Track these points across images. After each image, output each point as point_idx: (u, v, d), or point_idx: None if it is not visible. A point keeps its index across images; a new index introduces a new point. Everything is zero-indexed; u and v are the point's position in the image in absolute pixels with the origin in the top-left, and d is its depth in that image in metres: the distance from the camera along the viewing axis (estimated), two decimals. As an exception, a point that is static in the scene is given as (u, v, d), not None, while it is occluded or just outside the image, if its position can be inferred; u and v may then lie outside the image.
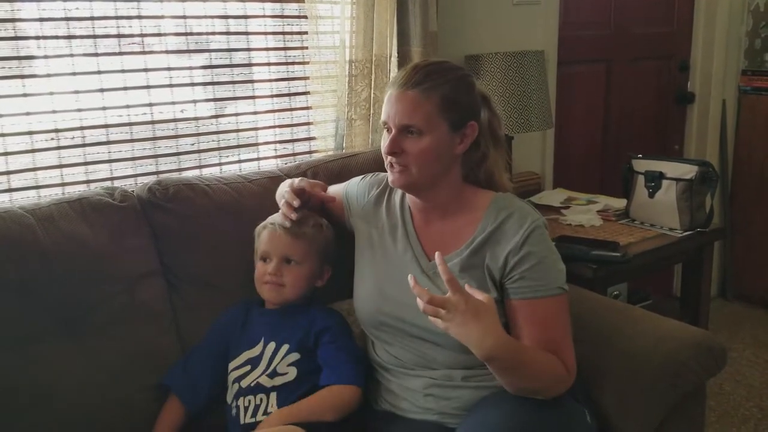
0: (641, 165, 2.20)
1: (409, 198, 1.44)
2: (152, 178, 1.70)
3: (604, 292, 1.93)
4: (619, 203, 2.34)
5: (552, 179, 2.79)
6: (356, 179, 1.57)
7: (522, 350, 1.22)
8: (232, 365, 1.46)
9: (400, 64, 2.05)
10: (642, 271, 2.11)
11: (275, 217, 1.51)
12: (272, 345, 1.44)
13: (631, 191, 2.23)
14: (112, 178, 1.78)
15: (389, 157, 1.32)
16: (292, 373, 1.39)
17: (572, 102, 2.91)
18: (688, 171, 2.08)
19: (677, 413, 1.43)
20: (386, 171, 1.38)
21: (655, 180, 2.13)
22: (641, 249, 1.98)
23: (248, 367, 1.43)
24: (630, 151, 2.35)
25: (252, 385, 1.40)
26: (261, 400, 1.38)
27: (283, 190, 1.54)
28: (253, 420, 1.36)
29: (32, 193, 1.67)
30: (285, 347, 1.43)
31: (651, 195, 2.15)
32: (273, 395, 1.38)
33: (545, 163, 2.75)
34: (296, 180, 1.56)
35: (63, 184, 1.71)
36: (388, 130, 1.33)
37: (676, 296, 2.99)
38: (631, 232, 2.12)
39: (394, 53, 2.05)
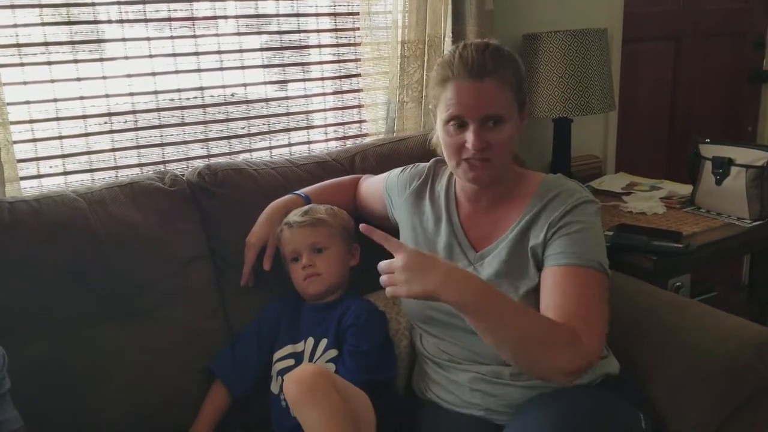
0: (708, 150, 2.08)
1: (461, 188, 1.38)
2: (203, 162, 1.70)
3: (664, 284, 1.84)
4: (685, 189, 2.23)
5: (614, 163, 2.68)
6: (395, 171, 1.53)
7: (500, 295, 1.13)
8: (277, 355, 1.46)
9: (454, 44, 1.99)
10: (706, 263, 2.01)
11: (289, 218, 1.50)
12: (311, 340, 1.43)
13: (698, 178, 2.12)
14: (164, 162, 1.80)
15: (471, 153, 1.24)
16: (331, 369, 1.38)
17: (637, 81, 2.78)
18: (759, 157, 1.96)
19: (739, 415, 1.35)
20: (425, 162, 1.35)
21: (723, 166, 2.02)
22: (706, 240, 1.87)
23: (292, 361, 1.43)
24: (699, 133, 2.23)
25: None
26: None
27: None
28: None
29: (86, 176, 1.70)
30: (323, 341, 1.42)
31: (718, 182, 2.03)
32: None
33: (607, 146, 2.65)
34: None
35: (116, 168, 1.73)
36: (458, 125, 1.25)
37: (745, 285, 2.85)
38: (696, 221, 2.02)
39: (448, 33, 2.00)
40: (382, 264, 1.12)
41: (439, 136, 1.30)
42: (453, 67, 1.23)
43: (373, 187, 1.58)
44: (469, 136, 1.22)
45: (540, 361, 1.12)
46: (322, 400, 1.17)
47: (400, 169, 1.53)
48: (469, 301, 1.09)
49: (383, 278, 1.12)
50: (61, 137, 1.65)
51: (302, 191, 1.58)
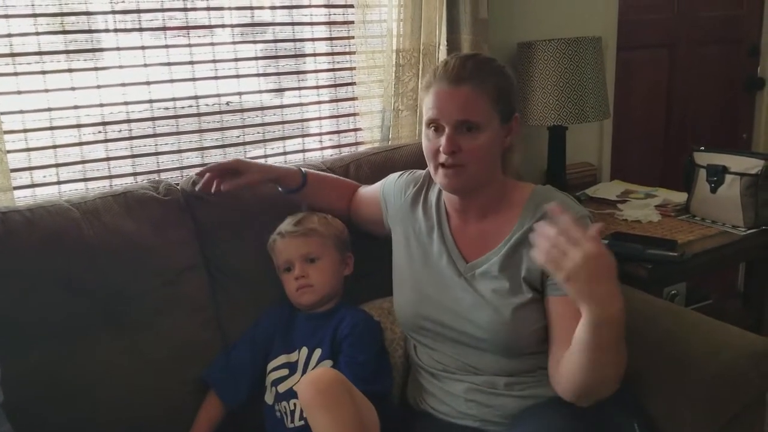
0: (703, 158, 2.08)
1: (447, 198, 1.39)
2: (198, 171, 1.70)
3: (659, 293, 1.84)
4: (680, 197, 2.23)
5: (609, 170, 2.69)
6: (392, 177, 1.53)
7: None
8: (270, 366, 1.45)
9: (449, 52, 1.99)
10: (701, 271, 2.01)
11: (281, 227, 1.50)
12: (305, 350, 1.43)
13: (693, 186, 2.12)
14: (158, 171, 1.79)
15: (444, 158, 1.25)
16: None
17: (632, 89, 2.79)
18: (754, 165, 1.96)
19: (736, 423, 1.36)
20: (422, 170, 1.33)
21: (717, 174, 2.02)
22: (701, 248, 1.87)
23: (286, 371, 1.43)
24: (694, 141, 2.23)
25: (288, 390, 1.40)
26: (294, 405, 1.37)
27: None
28: (302, 423, 1.34)
29: (80, 185, 1.69)
30: (317, 351, 1.41)
31: (713, 190, 2.04)
32: None
33: (602, 154, 2.65)
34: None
35: (110, 177, 1.73)
36: (436, 129, 1.27)
37: (741, 293, 2.85)
38: (691, 229, 2.02)
39: (443, 41, 2.00)
40: (552, 233, 1.02)
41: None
42: (436, 74, 1.27)
43: (370, 192, 1.57)
44: (443, 140, 1.24)
45: (602, 390, 1.14)
46: (336, 406, 1.17)
47: (397, 174, 1.53)
48: (618, 321, 1.06)
49: (550, 250, 1.02)
50: (55, 146, 1.64)
51: (305, 168, 1.57)
